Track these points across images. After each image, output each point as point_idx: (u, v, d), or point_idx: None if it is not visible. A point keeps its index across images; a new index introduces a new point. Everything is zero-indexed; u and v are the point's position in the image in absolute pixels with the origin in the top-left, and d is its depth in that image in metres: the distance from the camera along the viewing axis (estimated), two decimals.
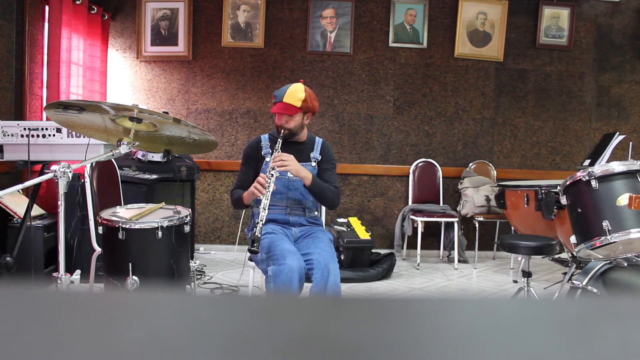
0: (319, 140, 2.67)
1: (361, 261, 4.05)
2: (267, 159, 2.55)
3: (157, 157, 3.87)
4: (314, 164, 2.59)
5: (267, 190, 2.28)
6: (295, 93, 2.49)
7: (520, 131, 5.11)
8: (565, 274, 3.22)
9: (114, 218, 2.20)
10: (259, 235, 2.19)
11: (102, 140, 2.40)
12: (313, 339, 0.27)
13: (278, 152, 2.41)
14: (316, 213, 2.67)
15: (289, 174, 2.47)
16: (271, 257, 2.26)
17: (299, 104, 2.48)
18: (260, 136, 2.66)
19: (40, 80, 3.88)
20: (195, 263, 2.39)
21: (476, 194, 4.53)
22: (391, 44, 4.96)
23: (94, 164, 2.79)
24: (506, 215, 3.77)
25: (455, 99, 5.04)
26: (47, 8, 3.84)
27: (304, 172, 2.42)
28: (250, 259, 2.54)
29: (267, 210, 2.26)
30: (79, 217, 3.39)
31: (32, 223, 3.10)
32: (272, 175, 2.32)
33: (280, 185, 2.48)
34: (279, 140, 2.48)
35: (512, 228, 4.09)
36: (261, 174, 2.38)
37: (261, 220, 2.22)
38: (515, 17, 5.00)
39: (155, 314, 0.31)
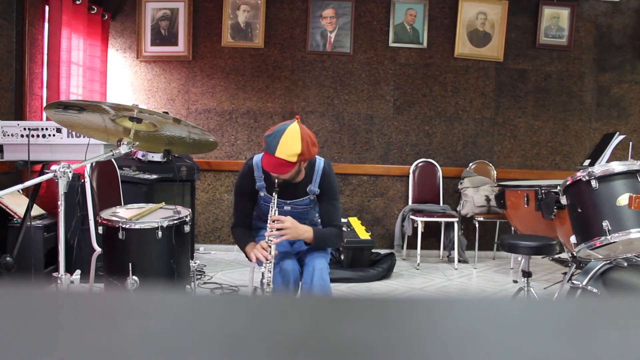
0: (319, 168, 2.35)
1: (361, 261, 4.05)
2: (262, 194, 2.36)
3: (157, 157, 3.87)
4: (312, 197, 2.37)
5: (269, 262, 2.17)
6: (291, 146, 2.11)
7: (520, 131, 5.11)
8: (565, 274, 3.22)
9: (114, 218, 2.20)
10: None
11: (102, 140, 2.40)
12: (313, 339, 0.27)
13: (275, 211, 2.25)
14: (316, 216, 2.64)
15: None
16: None
17: (294, 159, 2.13)
18: (252, 163, 2.35)
19: (40, 80, 3.88)
20: (195, 263, 2.39)
21: (476, 194, 4.53)
22: (391, 44, 4.96)
23: (94, 164, 2.79)
24: (506, 215, 3.77)
25: (455, 99, 5.04)
26: (47, 8, 3.84)
27: (305, 235, 2.27)
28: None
29: (272, 273, 2.16)
30: (79, 217, 3.39)
31: (32, 223, 3.09)
32: (272, 241, 2.20)
33: (281, 212, 2.34)
34: (274, 194, 2.26)
35: (512, 228, 4.09)
36: (261, 242, 2.22)
37: (269, 284, 2.14)
38: (515, 17, 5.00)
39: (155, 314, 0.31)
